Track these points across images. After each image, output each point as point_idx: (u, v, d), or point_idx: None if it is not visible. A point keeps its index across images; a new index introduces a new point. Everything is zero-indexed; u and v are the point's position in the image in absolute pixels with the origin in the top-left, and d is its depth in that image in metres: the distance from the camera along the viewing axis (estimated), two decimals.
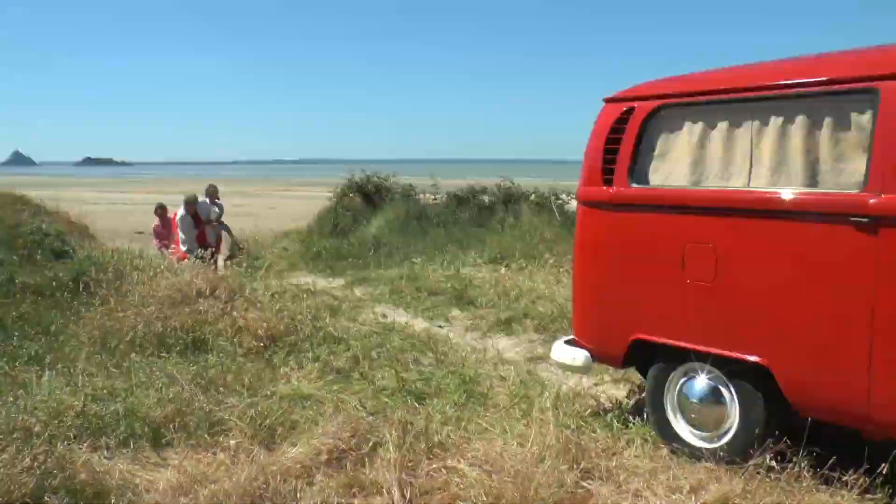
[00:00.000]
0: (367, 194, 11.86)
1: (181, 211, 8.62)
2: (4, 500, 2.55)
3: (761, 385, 2.93)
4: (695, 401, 3.14)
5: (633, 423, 3.44)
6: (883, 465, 2.65)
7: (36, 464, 2.73)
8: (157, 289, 5.15)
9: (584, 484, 2.82)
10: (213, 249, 8.56)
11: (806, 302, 2.75)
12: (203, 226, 8.64)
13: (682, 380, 3.22)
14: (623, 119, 3.32)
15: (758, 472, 2.72)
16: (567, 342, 3.63)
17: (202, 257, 7.39)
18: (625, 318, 3.32)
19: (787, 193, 2.80)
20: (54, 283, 5.49)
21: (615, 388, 4.25)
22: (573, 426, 3.27)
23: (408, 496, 2.77)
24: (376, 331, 5.33)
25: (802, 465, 2.70)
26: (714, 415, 3.10)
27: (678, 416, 3.23)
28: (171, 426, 3.37)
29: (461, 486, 2.77)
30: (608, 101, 3.47)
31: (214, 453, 3.14)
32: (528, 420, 3.36)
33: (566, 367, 3.67)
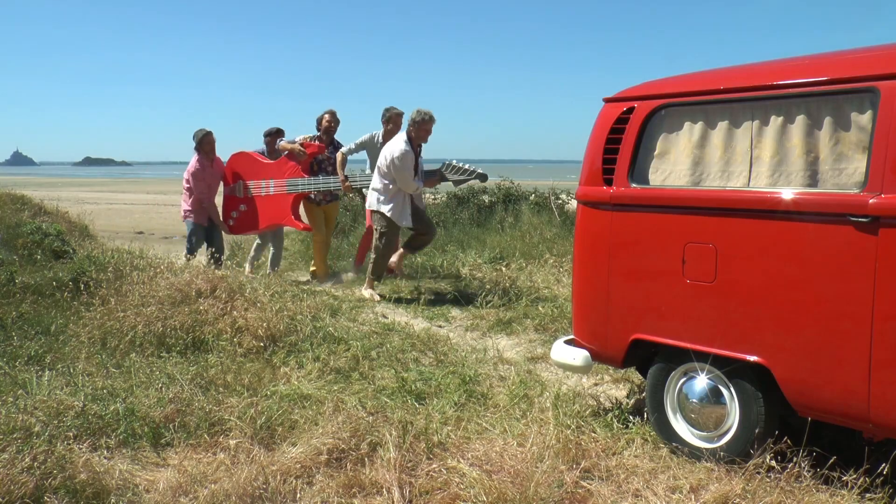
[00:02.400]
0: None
1: (399, 144, 6.11)
2: (4, 500, 2.55)
3: (761, 385, 2.93)
4: (695, 401, 3.15)
5: (633, 423, 3.44)
6: (883, 465, 2.65)
7: (36, 464, 2.73)
8: (157, 289, 5.15)
9: (584, 484, 2.82)
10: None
11: (806, 302, 2.75)
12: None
13: (682, 380, 3.22)
14: (623, 119, 3.32)
15: (758, 472, 2.72)
16: (567, 342, 3.63)
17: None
18: (625, 318, 3.32)
19: (787, 193, 2.80)
20: (54, 283, 5.49)
21: (615, 388, 4.25)
22: (573, 426, 3.27)
23: (408, 496, 2.78)
24: (376, 331, 5.32)
25: (802, 464, 2.70)
26: (714, 415, 3.10)
27: (678, 416, 3.23)
28: (171, 426, 3.37)
29: (461, 486, 2.78)
30: (608, 101, 3.47)
31: (214, 453, 3.14)
32: (528, 420, 3.37)
33: (566, 367, 3.67)
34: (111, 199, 29.95)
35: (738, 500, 2.64)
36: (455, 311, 6.10)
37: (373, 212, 6.49)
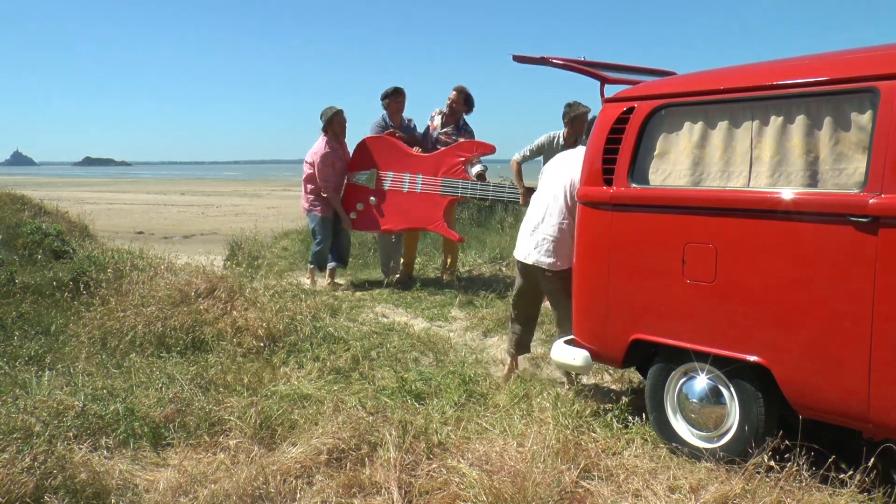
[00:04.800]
0: None
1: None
2: (4, 500, 2.55)
3: (761, 385, 2.93)
4: (695, 401, 3.15)
5: (633, 423, 3.44)
6: (871, 458, 2.64)
7: (36, 464, 2.74)
8: (156, 289, 5.15)
9: (584, 483, 2.82)
10: None
11: (805, 302, 2.75)
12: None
13: (682, 380, 3.22)
14: (623, 119, 3.32)
15: (757, 472, 2.73)
16: (567, 342, 3.64)
17: None
18: (624, 318, 3.32)
19: (787, 193, 2.80)
20: (54, 283, 5.50)
21: (615, 388, 4.25)
22: (573, 426, 3.27)
23: (408, 496, 2.78)
24: (376, 331, 5.32)
25: (801, 463, 2.70)
26: (714, 415, 3.10)
27: (678, 415, 3.23)
28: (171, 426, 3.37)
29: (461, 486, 2.78)
30: (608, 101, 3.47)
31: (214, 453, 3.14)
32: (528, 420, 3.37)
33: (566, 367, 3.67)
34: (111, 199, 29.96)
35: (737, 499, 2.64)
36: (455, 311, 6.10)
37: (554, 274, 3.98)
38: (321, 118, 6.66)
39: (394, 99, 6.88)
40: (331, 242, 6.86)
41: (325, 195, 6.65)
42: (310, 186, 6.74)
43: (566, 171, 3.94)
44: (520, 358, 4.48)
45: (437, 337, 5.23)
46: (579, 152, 3.90)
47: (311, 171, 6.66)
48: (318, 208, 6.73)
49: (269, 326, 4.79)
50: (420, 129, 7.09)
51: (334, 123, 6.61)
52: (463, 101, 6.80)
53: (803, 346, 2.77)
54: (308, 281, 6.93)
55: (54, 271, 5.79)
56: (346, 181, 6.77)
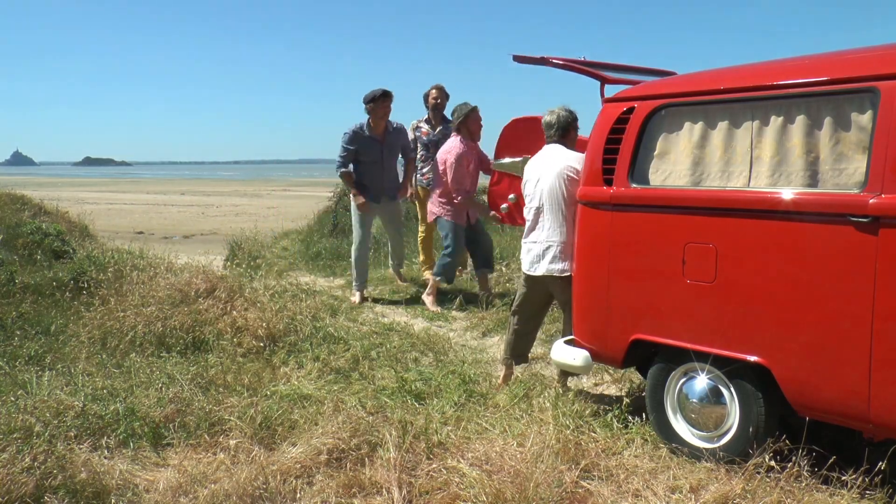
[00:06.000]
0: None
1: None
2: (4, 500, 2.55)
3: (761, 385, 2.93)
4: (695, 401, 3.15)
5: (633, 423, 3.44)
6: (881, 463, 2.65)
7: (36, 464, 2.74)
8: (156, 289, 5.15)
9: (584, 483, 2.82)
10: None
11: (806, 302, 2.75)
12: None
13: (682, 380, 3.22)
14: (623, 119, 3.32)
15: (758, 472, 2.73)
16: (567, 342, 3.64)
17: None
18: (625, 318, 3.32)
19: (787, 193, 2.80)
20: (54, 283, 5.50)
21: (615, 388, 4.25)
22: (573, 426, 3.27)
23: (408, 496, 2.78)
24: (376, 331, 5.33)
25: (802, 464, 2.70)
26: (714, 415, 3.10)
27: (678, 416, 3.23)
28: (171, 426, 3.37)
29: (461, 486, 2.78)
30: (608, 101, 3.47)
31: (214, 453, 3.14)
32: (528, 420, 3.37)
33: (566, 367, 3.67)
34: (111, 200, 29.96)
35: (738, 500, 2.64)
36: (455, 311, 6.10)
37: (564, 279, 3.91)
38: (452, 115, 6.01)
39: (381, 103, 6.21)
40: (464, 251, 6.21)
41: (456, 201, 5.94)
42: (440, 189, 6.06)
43: (549, 172, 3.92)
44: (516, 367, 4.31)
45: (437, 337, 5.23)
46: (552, 150, 4.02)
47: (443, 176, 5.97)
48: (451, 213, 6.01)
49: (269, 326, 4.80)
50: (410, 135, 6.75)
51: (469, 122, 5.92)
52: (445, 95, 6.68)
53: (803, 345, 2.77)
54: (429, 301, 6.18)
55: (54, 271, 5.80)
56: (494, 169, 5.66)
